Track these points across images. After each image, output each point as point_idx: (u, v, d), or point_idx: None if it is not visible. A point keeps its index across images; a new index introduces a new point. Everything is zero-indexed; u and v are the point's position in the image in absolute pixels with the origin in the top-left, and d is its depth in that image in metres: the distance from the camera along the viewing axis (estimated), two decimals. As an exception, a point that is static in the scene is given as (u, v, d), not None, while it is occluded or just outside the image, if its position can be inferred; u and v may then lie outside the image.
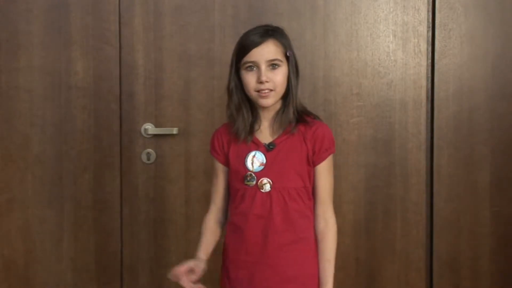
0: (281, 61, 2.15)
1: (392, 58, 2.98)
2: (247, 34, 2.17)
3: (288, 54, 2.17)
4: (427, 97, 2.98)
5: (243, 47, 2.15)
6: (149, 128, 3.02)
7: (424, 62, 2.97)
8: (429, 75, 2.98)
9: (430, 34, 2.98)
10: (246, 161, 2.18)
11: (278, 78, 2.15)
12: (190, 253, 2.76)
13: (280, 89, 2.17)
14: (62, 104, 3.04)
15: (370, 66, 2.98)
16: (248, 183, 2.18)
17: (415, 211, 3.01)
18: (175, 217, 3.04)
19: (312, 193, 2.21)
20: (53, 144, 3.06)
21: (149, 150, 3.03)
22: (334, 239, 2.18)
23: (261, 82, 2.13)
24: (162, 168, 3.03)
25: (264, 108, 2.19)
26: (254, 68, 2.15)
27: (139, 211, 3.05)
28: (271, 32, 2.17)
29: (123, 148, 3.03)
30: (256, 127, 2.21)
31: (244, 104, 2.20)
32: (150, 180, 3.05)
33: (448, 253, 3.01)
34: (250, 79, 2.15)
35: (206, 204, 2.76)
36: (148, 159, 3.03)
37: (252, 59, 2.14)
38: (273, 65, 2.14)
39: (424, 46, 2.97)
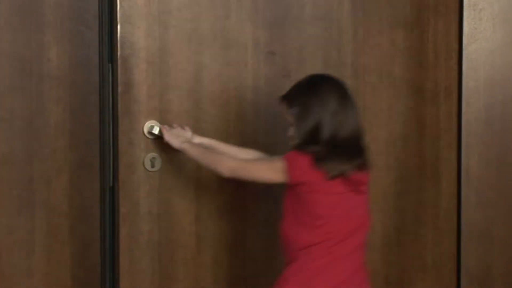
0: (290, 120, 2.44)
1: (417, 43, 3.05)
2: None
3: (291, 113, 2.44)
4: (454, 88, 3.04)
5: None
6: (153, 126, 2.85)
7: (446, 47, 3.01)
8: (457, 62, 2.99)
9: (457, 15, 2.99)
10: None
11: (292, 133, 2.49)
12: (201, 281, 2.94)
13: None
14: (33, 96, 2.90)
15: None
16: None
17: (446, 217, 3.03)
18: (183, 238, 2.89)
19: None
20: (22, 142, 2.91)
21: (154, 154, 2.82)
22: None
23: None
24: (168, 177, 2.85)
25: None
26: None
27: (140, 231, 2.86)
28: (283, 96, 2.48)
29: (121, 152, 2.84)
30: None
31: None
32: (154, 192, 2.86)
33: (478, 267, 3.02)
34: None
35: (220, 220, 2.91)
36: (153, 166, 2.82)
37: None
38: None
39: (451, 29, 3.00)
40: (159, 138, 2.83)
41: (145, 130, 2.83)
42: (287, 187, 2.39)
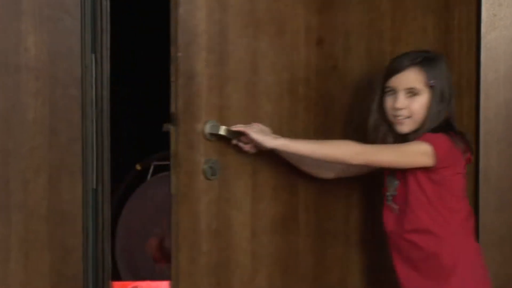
0: (419, 89, 2.44)
1: (430, 31, 3.09)
2: (394, 59, 2.52)
3: (430, 83, 2.44)
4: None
5: (387, 72, 2.50)
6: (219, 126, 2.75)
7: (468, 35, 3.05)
8: (475, 52, 3.02)
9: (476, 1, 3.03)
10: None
11: (414, 106, 2.44)
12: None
13: (418, 116, 2.44)
14: (9, 89, 2.81)
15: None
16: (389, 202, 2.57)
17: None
18: (240, 258, 2.80)
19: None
20: (-4, 140, 3.04)
21: (214, 159, 2.66)
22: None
23: (396, 108, 2.46)
24: (226, 186, 2.74)
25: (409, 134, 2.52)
26: (394, 94, 2.48)
27: (201, 251, 2.75)
28: (416, 59, 2.47)
29: (180, 157, 2.74)
30: None
31: (383, 126, 2.51)
32: (213, 205, 2.73)
33: (498, 276, 2.97)
34: (388, 103, 2.47)
35: (273, 235, 2.82)
36: (213, 174, 2.64)
37: (391, 85, 2.47)
38: (411, 93, 2.45)
39: (471, 16, 3.05)
40: (222, 139, 2.67)
41: (206, 131, 2.62)
42: (413, 173, 2.39)
